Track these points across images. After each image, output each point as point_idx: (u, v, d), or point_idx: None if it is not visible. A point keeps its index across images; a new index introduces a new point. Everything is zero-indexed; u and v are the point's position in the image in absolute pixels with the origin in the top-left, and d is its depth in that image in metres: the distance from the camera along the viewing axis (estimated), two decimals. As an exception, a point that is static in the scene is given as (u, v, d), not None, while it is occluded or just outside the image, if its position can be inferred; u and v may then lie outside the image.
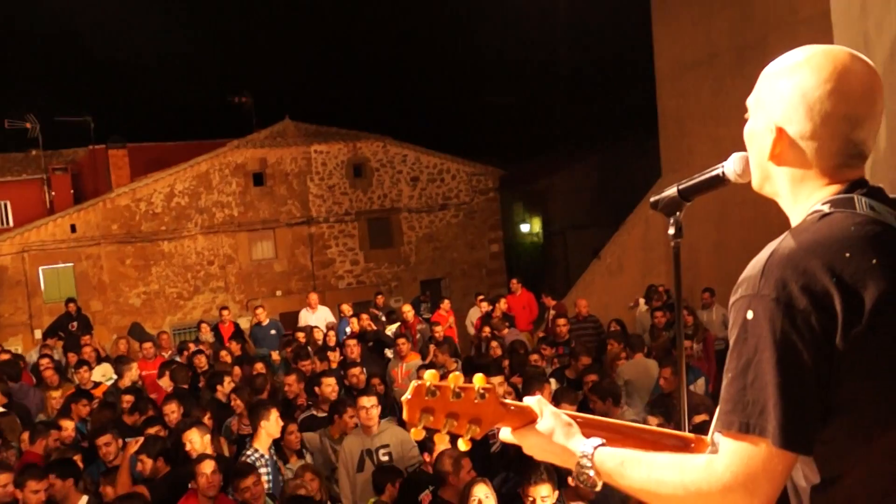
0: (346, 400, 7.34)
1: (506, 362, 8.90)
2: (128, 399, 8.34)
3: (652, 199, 1.93)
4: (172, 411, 7.57)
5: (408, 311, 13.07)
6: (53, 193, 24.16)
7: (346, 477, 6.36)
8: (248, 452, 6.43)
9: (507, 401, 1.78)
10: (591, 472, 1.61)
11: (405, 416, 1.75)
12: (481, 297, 14.14)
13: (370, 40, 43.04)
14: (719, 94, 14.88)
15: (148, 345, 11.83)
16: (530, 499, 4.56)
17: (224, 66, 36.31)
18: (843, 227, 1.44)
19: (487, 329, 11.33)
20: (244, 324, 15.61)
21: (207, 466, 5.62)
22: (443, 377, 1.74)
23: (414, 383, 1.73)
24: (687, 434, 1.84)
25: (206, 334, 12.95)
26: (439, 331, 11.09)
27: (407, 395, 1.72)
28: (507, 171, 25.88)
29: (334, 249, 23.18)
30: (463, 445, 1.78)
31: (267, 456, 6.42)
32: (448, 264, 24.35)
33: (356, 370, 8.69)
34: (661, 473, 1.52)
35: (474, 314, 13.50)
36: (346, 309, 13.33)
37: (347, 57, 42.49)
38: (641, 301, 13.40)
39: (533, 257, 31.05)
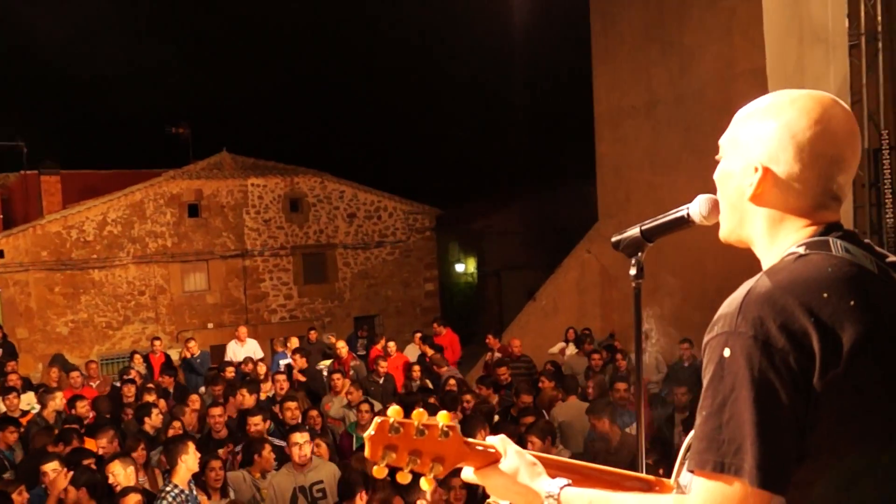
0: (262, 438, 7.22)
1: (431, 399, 8.84)
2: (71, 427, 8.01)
3: (613, 239, 1.92)
4: (104, 444, 7.36)
5: (342, 346, 12.99)
6: (-18, 219, 23.44)
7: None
8: (168, 489, 6.25)
9: (472, 440, 1.75)
10: None
11: (367, 453, 1.71)
12: (419, 333, 14.11)
13: (311, 76, 43.02)
14: (657, 141, 15.26)
15: (75, 374, 11.52)
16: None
17: (162, 96, 35.88)
18: (821, 268, 1.43)
19: (418, 368, 11.27)
20: (175, 355, 15.28)
21: (131, 500, 5.46)
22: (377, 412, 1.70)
23: (377, 420, 1.70)
24: (648, 476, 1.82)
25: (139, 365, 12.66)
26: (384, 366, 11.11)
27: (370, 432, 1.68)
28: (444, 210, 26.03)
29: (268, 283, 22.92)
30: (426, 485, 1.74)
31: (187, 491, 6.24)
32: (382, 301, 24.27)
33: (291, 404, 8.56)
34: None
35: (411, 351, 13.45)
36: (294, 342, 13.14)
37: (287, 92, 42.40)
38: (563, 345, 13.57)
39: (467, 297, 31.14)
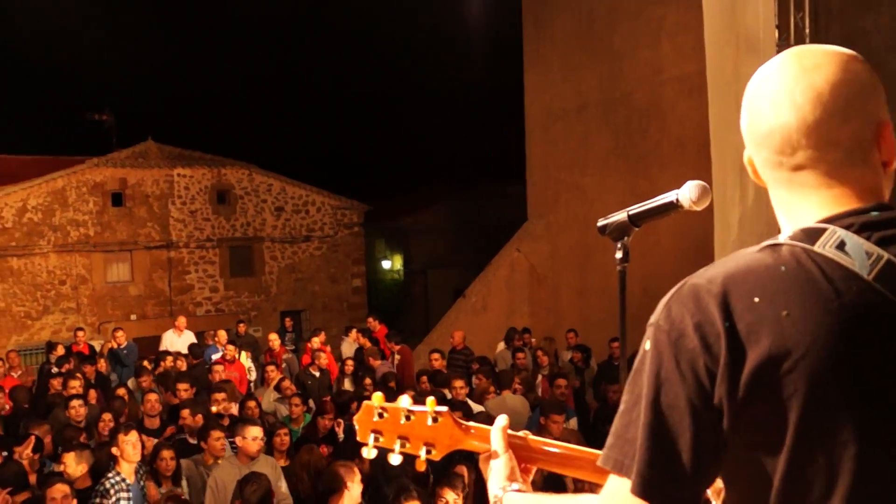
0: (210, 424, 7.20)
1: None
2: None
3: (599, 224, 1.97)
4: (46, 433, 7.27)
5: (274, 339, 12.97)
6: None
7: (215, 502, 6.21)
8: (109, 475, 6.21)
9: (471, 423, 1.78)
10: None
11: (358, 436, 1.76)
12: (354, 329, 14.11)
13: (240, 67, 42.48)
14: (585, 143, 15.59)
15: (-5, 364, 11.23)
16: (443, 500, 4.77)
17: (84, 81, 34.90)
18: (772, 265, 1.21)
19: (351, 363, 11.29)
20: (97, 346, 14.96)
21: (57, 491, 5.40)
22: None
23: (365, 403, 1.76)
24: None
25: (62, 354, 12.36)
26: (323, 358, 11.15)
27: (359, 414, 1.74)
28: (372, 206, 26.03)
29: (193, 275, 22.55)
30: (418, 467, 1.78)
31: (130, 480, 6.20)
32: (309, 296, 24.12)
33: (220, 396, 8.49)
34: None
35: (347, 347, 13.43)
36: (222, 335, 13.01)
37: (215, 82, 41.73)
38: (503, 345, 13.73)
39: (393, 294, 31.20)
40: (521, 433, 1.76)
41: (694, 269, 1.29)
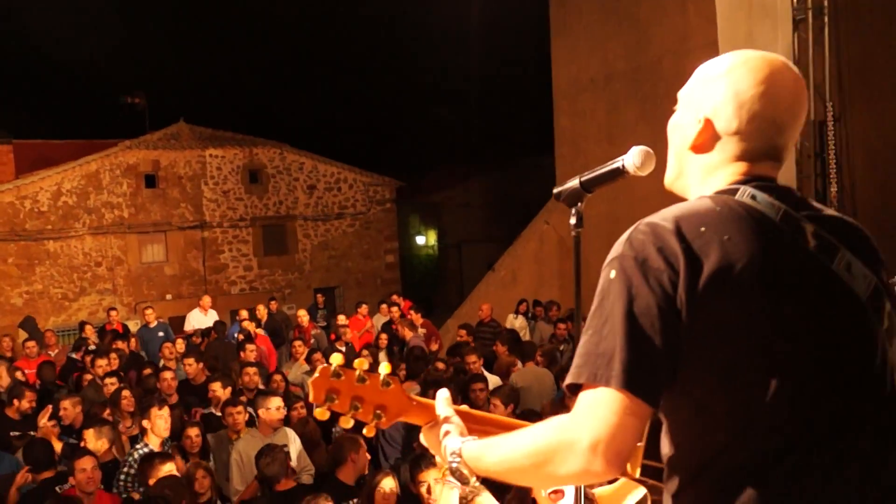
0: (229, 400, 7.31)
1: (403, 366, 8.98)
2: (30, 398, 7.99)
3: (555, 191, 2.02)
4: (66, 407, 7.44)
5: (303, 315, 13.10)
6: (-67, 187, 22.97)
7: (240, 476, 6.33)
8: (138, 446, 6.36)
9: (413, 396, 1.86)
10: (462, 468, 1.66)
11: (311, 396, 1.81)
12: (384, 303, 14.23)
13: (270, 47, 42.57)
14: (613, 114, 15.43)
15: (31, 343, 11.49)
16: (423, 484, 4.68)
17: (117, 65, 35.29)
18: (709, 207, 1.53)
19: (385, 337, 11.38)
20: (133, 327, 15.24)
21: (87, 462, 5.56)
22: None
23: (321, 366, 1.82)
24: None
25: (91, 334, 12.62)
26: (347, 332, 11.24)
27: (315, 375, 1.79)
28: (405, 183, 26.06)
29: (227, 254, 22.82)
30: (367, 432, 1.86)
31: (157, 451, 6.34)
32: (343, 273, 24.29)
33: (251, 370, 8.63)
34: (516, 442, 1.55)
35: (380, 321, 13.56)
36: (244, 314, 13.20)
37: (245, 61, 41.94)
38: (513, 317, 13.80)
39: (428, 269, 31.30)
40: (462, 406, 1.87)
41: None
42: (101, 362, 9.21)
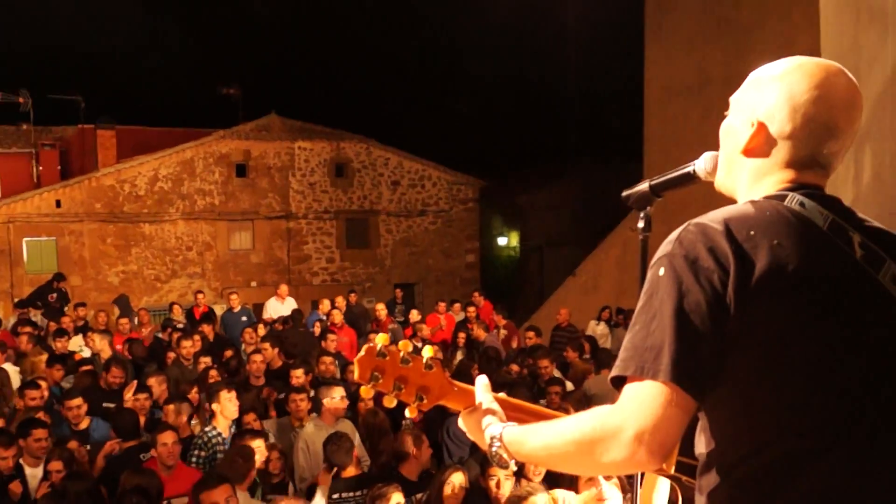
0: (293, 388, 7.42)
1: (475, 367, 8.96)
2: (117, 373, 8.30)
3: (624, 194, 2.02)
4: (152, 385, 7.71)
5: (381, 309, 13.25)
6: (41, 168, 24.07)
7: (306, 460, 6.42)
8: (207, 429, 6.51)
9: (456, 381, 1.88)
10: (503, 452, 1.68)
11: (356, 374, 1.84)
12: (457, 302, 14.28)
13: (360, 42, 43.11)
14: (707, 121, 14.99)
15: (124, 321, 11.95)
16: (494, 478, 4.66)
17: (214, 57, 36.23)
18: (759, 211, 1.55)
19: (463, 334, 11.40)
20: (219, 311, 15.67)
21: (168, 437, 5.73)
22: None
23: (366, 345, 1.84)
24: None
25: (178, 315, 13.05)
26: (423, 328, 11.31)
27: (360, 354, 1.83)
28: (488, 182, 26.04)
29: (311, 246, 23.23)
30: (409, 413, 1.88)
31: (225, 435, 6.48)
32: (423, 270, 24.45)
33: (328, 359, 8.75)
34: (560, 429, 1.58)
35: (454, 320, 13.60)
36: (326, 304, 13.42)
37: (337, 57, 42.58)
38: (594, 322, 13.65)
39: (508, 271, 31.18)
40: (500, 394, 1.89)
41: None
42: (187, 343, 9.49)
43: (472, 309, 13.16)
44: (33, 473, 5.90)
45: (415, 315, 12.46)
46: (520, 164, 32.05)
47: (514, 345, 11.76)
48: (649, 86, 16.89)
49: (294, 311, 13.44)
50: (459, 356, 10.67)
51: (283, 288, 15.01)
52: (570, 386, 8.23)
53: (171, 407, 6.60)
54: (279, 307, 14.14)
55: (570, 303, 16.26)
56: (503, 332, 12.76)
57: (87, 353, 10.20)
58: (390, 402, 1.86)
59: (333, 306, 12.96)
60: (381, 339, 1.83)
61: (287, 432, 7.00)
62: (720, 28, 14.79)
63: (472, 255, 25.39)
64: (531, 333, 10.98)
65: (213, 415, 6.63)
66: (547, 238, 29.47)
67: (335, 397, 6.65)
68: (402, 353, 1.82)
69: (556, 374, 8.63)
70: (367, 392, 1.85)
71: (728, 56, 14.68)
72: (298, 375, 7.95)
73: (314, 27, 42.37)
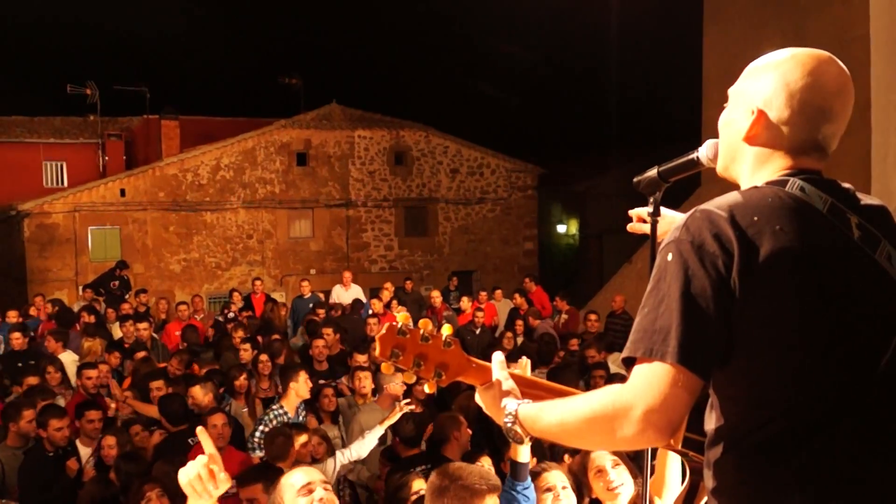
0: (357, 368, 7.58)
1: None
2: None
3: (635, 180, 2.10)
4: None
5: (436, 296, 13.38)
6: (107, 158, 24.88)
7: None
8: (274, 407, 6.71)
9: (473, 358, 1.97)
10: (517, 427, 1.76)
11: (377, 351, 1.94)
12: (499, 290, 14.37)
13: (420, 31, 43.26)
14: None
15: (183, 307, 12.28)
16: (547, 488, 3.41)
17: (276, 47, 36.78)
18: (762, 197, 1.62)
19: (521, 323, 11.43)
20: (278, 298, 15.98)
21: (218, 419, 5.91)
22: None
23: (387, 324, 1.93)
24: None
25: (238, 302, 13.40)
26: (480, 316, 11.40)
27: (381, 332, 1.92)
28: (547, 170, 25.92)
29: (370, 233, 23.47)
30: (429, 388, 1.98)
31: (291, 415, 6.66)
32: (481, 258, 24.51)
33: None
34: (573, 407, 1.67)
35: (505, 307, 13.64)
36: (388, 288, 13.64)
37: (397, 46, 42.79)
38: None
39: (568, 258, 31.05)
40: (516, 370, 1.99)
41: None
42: (240, 331, 9.75)
43: (518, 297, 13.15)
44: (88, 454, 6.11)
45: (465, 303, 12.55)
46: (579, 152, 31.85)
47: (577, 329, 11.77)
48: (707, 69, 16.61)
49: (355, 301, 13.62)
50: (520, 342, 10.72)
51: (347, 275, 15.18)
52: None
53: (198, 387, 6.77)
54: (343, 294, 14.37)
55: (626, 289, 16.12)
56: (564, 316, 12.81)
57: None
58: (409, 377, 1.95)
59: (395, 294, 13.15)
60: (401, 318, 1.92)
61: (352, 411, 7.18)
62: (780, 10, 14.47)
63: (531, 243, 25.36)
64: (593, 316, 11.04)
65: (280, 395, 6.84)
66: (606, 225, 29.21)
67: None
68: (422, 332, 1.90)
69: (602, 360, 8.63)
70: (388, 368, 1.95)
71: (787, 40, 14.19)
72: (360, 361, 8.14)
73: (375, 18, 42.62)
